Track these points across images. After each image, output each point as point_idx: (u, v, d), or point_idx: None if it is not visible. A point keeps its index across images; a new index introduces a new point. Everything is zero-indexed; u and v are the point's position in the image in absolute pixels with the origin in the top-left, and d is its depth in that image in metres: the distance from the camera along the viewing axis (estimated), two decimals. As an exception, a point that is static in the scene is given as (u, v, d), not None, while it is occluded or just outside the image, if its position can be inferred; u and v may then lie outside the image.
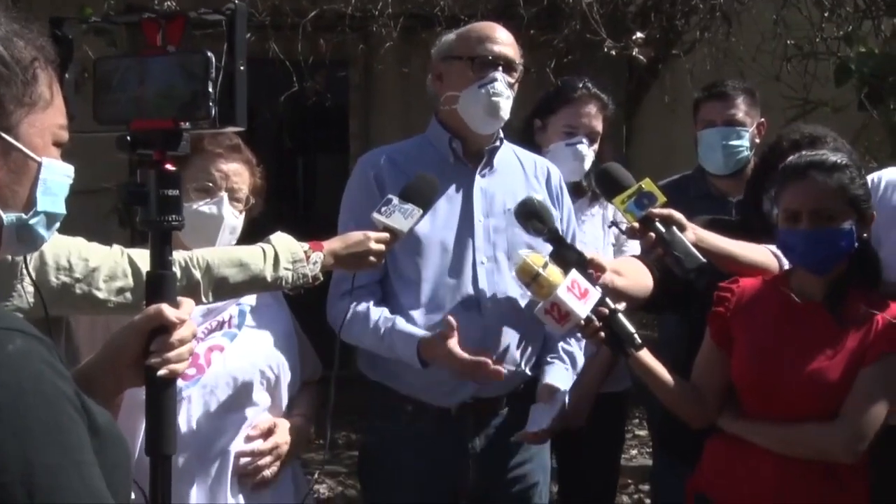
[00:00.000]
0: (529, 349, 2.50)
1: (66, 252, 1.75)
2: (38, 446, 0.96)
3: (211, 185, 2.19)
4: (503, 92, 2.44)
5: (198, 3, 1.68)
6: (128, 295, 1.80)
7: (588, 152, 3.01)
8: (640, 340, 2.25)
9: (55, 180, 1.17)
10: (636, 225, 2.30)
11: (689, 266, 2.24)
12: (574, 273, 2.23)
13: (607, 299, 2.24)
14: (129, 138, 1.51)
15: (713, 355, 2.35)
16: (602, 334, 2.23)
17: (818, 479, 2.17)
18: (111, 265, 1.79)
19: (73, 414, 1.01)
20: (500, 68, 2.45)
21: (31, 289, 1.68)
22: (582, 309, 2.19)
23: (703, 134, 3.14)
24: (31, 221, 1.16)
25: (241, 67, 1.54)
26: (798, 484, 2.18)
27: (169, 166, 1.54)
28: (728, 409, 2.32)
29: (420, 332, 2.37)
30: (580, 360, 2.57)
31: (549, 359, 2.52)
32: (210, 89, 1.49)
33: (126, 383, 1.52)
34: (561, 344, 2.54)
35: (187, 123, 1.53)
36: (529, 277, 2.23)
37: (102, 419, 1.08)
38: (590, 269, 2.27)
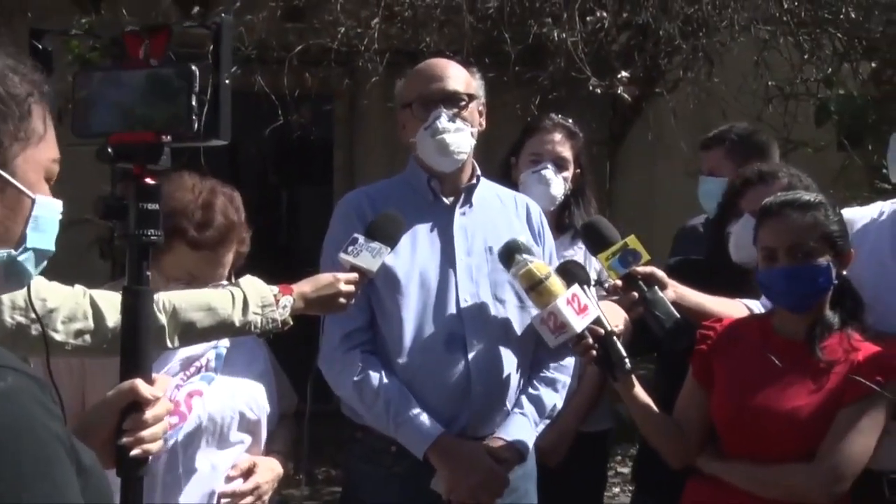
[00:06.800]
0: (515, 388, 2.47)
1: (23, 292, 1.68)
2: (28, 485, 0.95)
3: (190, 280, 2.09)
4: (448, 127, 2.40)
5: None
6: (87, 337, 1.72)
7: (554, 177, 3.01)
8: (629, 366, 2.26)
9: (46, 217, 1.16)
10: (618, 283, 2.33)
11: (668, 326, 2.27)
12: (576, 287, 2.26)
13: (604, 321, 2.26)
14: (110, 150, 1.48)
15: (694, 393, 2.35)
16: (594, 353, 2.24)
17: None
18: (71, 306, 1.72)
19: (63, 455, 1.01)
20: (442, 104, 2.42)
21: None
22: (578, 323, 2.21)
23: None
24: (20, 258, 1.14)
25: (227, 81, 1.53)
26: None
27: (149, 180, 1.52)
28: (708, 449, 2.31)
29: (436, 428, 2.34)
30: (549, 402, 2.51)
31: (512, 410, 2.47)
32: (194, 103, 1.47)
33: None
34: (528, 389, 2.50)
35: (168, 137, 1.51)
36: (531, 283, 2.25)
37: (88, 459, 1.08)
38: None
